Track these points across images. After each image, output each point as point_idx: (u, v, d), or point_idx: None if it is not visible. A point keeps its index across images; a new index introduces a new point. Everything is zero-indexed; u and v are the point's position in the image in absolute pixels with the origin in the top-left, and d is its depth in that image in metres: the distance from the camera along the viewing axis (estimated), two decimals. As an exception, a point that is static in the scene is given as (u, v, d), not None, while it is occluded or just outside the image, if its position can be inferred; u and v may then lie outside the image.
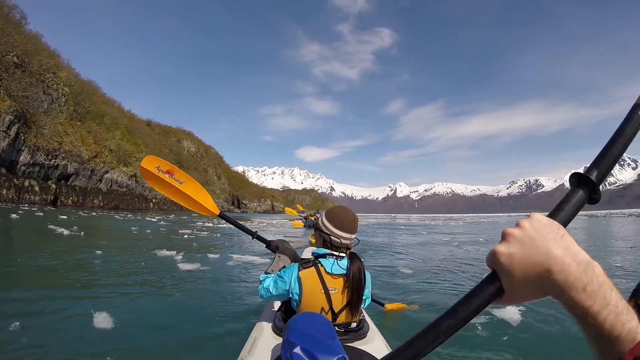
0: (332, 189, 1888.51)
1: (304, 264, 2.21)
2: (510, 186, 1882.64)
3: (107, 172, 53.45)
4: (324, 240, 2.28)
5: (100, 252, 8.61)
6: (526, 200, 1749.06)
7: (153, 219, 27.77)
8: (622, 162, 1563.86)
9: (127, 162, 60.44)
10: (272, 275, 2.42)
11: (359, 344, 2.12)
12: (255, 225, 27.39)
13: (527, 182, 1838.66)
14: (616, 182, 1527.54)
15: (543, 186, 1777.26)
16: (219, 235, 16.75)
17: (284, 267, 2.58)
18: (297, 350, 1.40)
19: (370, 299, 2.50)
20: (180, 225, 21.80)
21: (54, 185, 41.77)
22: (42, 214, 23.42)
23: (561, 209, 0.74)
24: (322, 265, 2.17)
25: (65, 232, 12.88)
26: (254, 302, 4.98)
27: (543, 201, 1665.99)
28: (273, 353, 2.01)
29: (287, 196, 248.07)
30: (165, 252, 8.93)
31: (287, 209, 16.15)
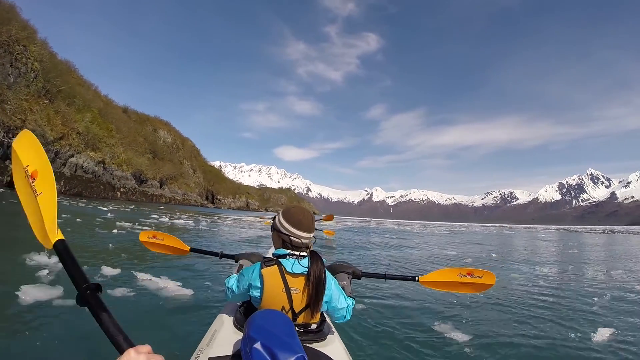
0: (309, 189, 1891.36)
1: (266, 262, 2.19)
2: (485, 197, 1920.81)
3: (72, 155, 50.01)
4: (283, 240, 2.28)
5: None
6: (500, 212, 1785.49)
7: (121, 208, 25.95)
8: (595, 180, 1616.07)
9: (95, 147, 57.21)
10: (235, 275, 2.46)
11: (317, 346, 2.13)
12: (229, 223, 25.35)
13: (502, 194, 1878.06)
14: (589, 199, 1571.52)
15: (517, 199, 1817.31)
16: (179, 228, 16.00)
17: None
18: (257, 345, 1.42)
19: (347, 312, 2.37)
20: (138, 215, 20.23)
21: (11, 166, 38.17)
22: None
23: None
24: (283, 265, 2.15)
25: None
26: (215, 296, 5.06)
27: (516, 213, 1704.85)
28: (233, 347, 1.99)
29: (263, 194, 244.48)
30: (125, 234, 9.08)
31: (266, 222, 17.45)
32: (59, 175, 45.57)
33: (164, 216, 23.47)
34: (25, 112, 43.10)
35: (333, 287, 2.30)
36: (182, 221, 20.47)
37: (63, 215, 15.60)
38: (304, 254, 2.22)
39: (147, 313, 4.21)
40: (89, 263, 6.40)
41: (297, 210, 2.32)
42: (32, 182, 1.50)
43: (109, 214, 20.41)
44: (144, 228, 13.73)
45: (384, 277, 3.18)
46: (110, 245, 8.79)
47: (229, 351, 1.93)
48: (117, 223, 14.74)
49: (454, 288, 3.10)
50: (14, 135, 40.27)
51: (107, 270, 5.82)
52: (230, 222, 25.74)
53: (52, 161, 45.79)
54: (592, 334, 4.48)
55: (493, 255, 13.41)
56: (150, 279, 5.52)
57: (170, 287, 5.25)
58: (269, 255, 2.56)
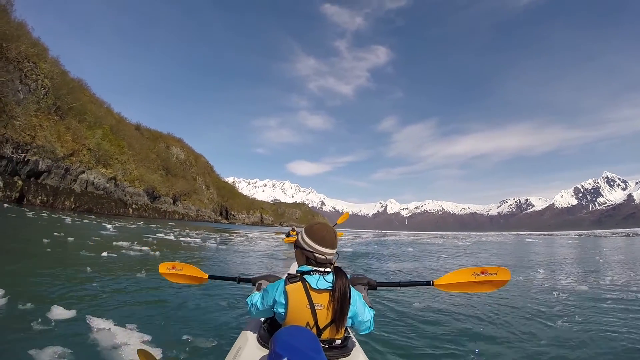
0: (323, 203, 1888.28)
1: (290, 278, 2.20)
2: (500, 205, 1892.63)
3: (83, 172, 49.06)
4: (307, 257, 2.30)
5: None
6: (516, 220, 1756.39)
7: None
8: (611, 183, 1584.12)
9: (107, 163, 56.43)
10: (258, 292, 2.49)
11: None
12: (240, 241, 23.80)
13: (517, 201, 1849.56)
14: (606, 202, 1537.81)
15: (533, 206, 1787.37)
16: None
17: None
18: None
19: (371, 324, 2.41)
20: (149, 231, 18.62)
21: (20, 182, 37.68)
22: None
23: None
24: (307, 282, 2.16)
25: None
26: (238, 313, 5.05)
27: (533, 220, 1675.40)
28: None
29: (277, 209, 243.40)
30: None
31: (286, 239, 18.56)
32: (68, 192, 44.90)
33: (170, 233, 21.53)
34: (35, 129, 42.35)
35: (358, 302, 2.30)
36: (189, 239, 18.65)
37: (56, 232, 13.92)
38: (328, 270, 2.23)
39: (169, 331, 4.16)
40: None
41: (320, 227, 2.34)
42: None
43: (111, 230, 18.89)
44: (143, 248, 11.89)
45: (399, 284, 3.17)
46: (89, 269, 7.20)
47: None
48: (114, 242, 12.82)
49: (469, 288, 3.05)
50: (25, 152, 40.20)
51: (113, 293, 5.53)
52: (241, 239, 24.03)
53: (62, 177, 45.21)
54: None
55: (540, 271, 11.24)
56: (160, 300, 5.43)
57: (189, 304, 5.34)
58: (292, 271, 2.45)
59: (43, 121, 44.61)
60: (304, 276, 2.17)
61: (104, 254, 9.53)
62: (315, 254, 2.24)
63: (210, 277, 3.44)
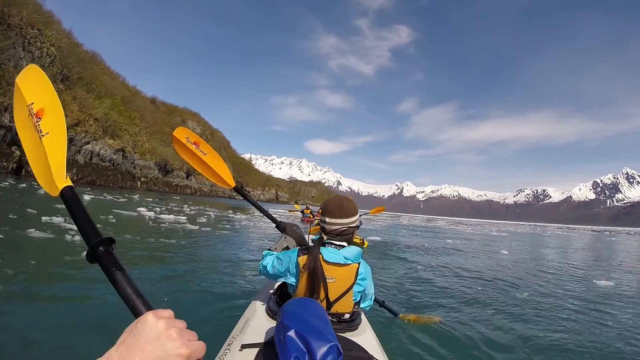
0: (339, 183, 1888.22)
1: (303, 249, 2.21)
2: (517, 194, 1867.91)
3: (88, 142, 47.18)
4: (322, 229, 2.31)
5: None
6: (533, 210, 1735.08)
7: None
8: (631, 180, 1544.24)
9: (115, 134, 54.71)
10: (274, 253, 2.45)
11: (350, 335, 2.11)
12: (251, 215, 22.04)
13: (535, 191, 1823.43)
14: (624, 199, 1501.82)
15: (550, 197, 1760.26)
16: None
17: (287, 247, 2.66)
18: (291, 333, 1.42)
19: (372, 300, 2.46)
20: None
21: (17, 152, 35.91)
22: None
23: None
24: (321, 254, 2.15)
25: None
26: (248, 285, 5.18)
27: (549, 211, 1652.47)
28: (266, 335, 1.99)
29: (294, 187, 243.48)
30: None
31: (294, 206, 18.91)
32: (71, 163, 42.96)
33: (156, 208, 18.09)
34: (37, 96, 40.44)
35: (368, 274, 2.29)
36: (173, 216, 14.91)
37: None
38: (343, 243, 2.24)
39: (176, 300, 4.15)
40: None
41: (331, 198, 2.35)
42: (37, 122, 1.20)
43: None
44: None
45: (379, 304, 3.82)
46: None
47: (261, 339, 1.91)
48: (45, 218, 9.31)
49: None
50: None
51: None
52: (243, 220, 19.23)
53: (67, 148, 42.93)
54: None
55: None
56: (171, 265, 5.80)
57: (199, 274, 5.63)
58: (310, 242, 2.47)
59: (47, 89, 42.61)
60: (320, 246, 2.17)
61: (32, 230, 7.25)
62: (324, 225, 2.26)
63: (236, 189, 3.22)
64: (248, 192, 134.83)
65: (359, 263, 2.20)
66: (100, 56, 73.64)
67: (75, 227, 1.48)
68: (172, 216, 14.97)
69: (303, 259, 2.13)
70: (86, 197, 18.87)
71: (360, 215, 2.37)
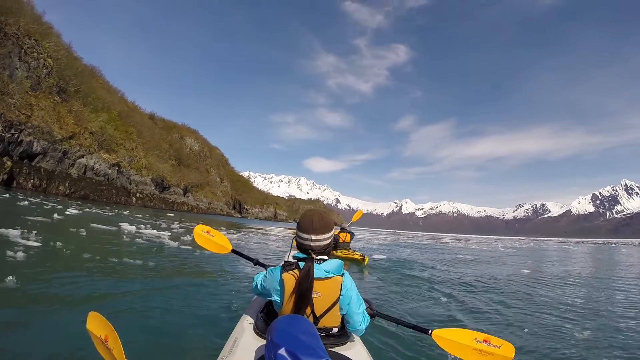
0: (338, 201, 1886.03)
1: (286, 266, 2.16)
2: (516, 209, 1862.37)
3: (82, 156, 45.81)
4: (304, 246, 2.25)
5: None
6: (532, 225, 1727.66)
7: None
8: (630, 191, 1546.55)
9: (111, 148, 53.47)
10: (263, 272, 2.43)
11: (340, 349, 2.12)
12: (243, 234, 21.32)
13: (534, 206, 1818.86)
14: (623, 211, 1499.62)
15: (549, 211, 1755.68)
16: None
17: None
18: (282, 351, 1.43)
19: (365, 320, 2.38)
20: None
21: (9, 163, 34.50)
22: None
23: None
24: (299, 269, 2.13)
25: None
26: (235, 303, 4.93)
27: (549, 226, 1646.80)
28: (256, 354, 1.98)
29: (292, 205, 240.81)
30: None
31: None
32: (64, 177, 41.65)
33: (143, 223, 17.15)
34: (32, 108, 39.45)
35: (352, 287, 2.24)
36: (155, 232, 13.94)
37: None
38: (325, 257, 2.21)
39: (162, 324, 3.93)
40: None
41: (306, 213, 2.29)
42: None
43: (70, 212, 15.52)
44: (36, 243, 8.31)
45: (397, 322, 2.96)
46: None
47: (250, 358, 1.92)
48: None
49: (466, 354, 2.68)
50: (18, 132, 37.48)
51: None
52: (233, 242, 19.43)
53: (60, 161, 42.03)
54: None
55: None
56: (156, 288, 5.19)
57: (187, 293, 5.27)
58: (289, 259, 2.39)
59: (41, 101, 41.78)
60: (299, 263, 2.13)
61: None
62: (300, 241, 2.22)
63: (233, 250, 3.61)
64: (246, 210, 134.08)
65: (342, 275, 2.15)
66: (99, 70, 72.91)
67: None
68: (155, 231, 13.91)
69: (287, 276, 2.10)
70: (73, 211, 17.51)
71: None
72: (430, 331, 2.76)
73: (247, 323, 2.44)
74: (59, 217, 13.66)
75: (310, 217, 2.21)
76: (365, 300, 2.73)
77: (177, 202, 75.27)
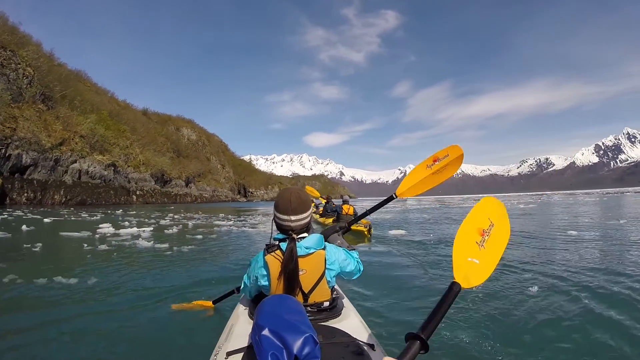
0: (342, 173, 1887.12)
1: (269, 248, 2.15)
2: (520, 165, 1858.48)
3: (75, 161, 45.40)
4: (283, 226, 2.22)
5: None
6: (537, 180, 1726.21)
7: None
8: (632, 139, 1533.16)
9: (104, 149, 53.03)
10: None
11: (333, 323, 2.12)
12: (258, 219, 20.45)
13: (538, 160, 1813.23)
14: (627, 160, 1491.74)
15: (554, 164, 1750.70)
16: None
17: None
18: (266, 332, 1.43)
19: (352, 269, 2.35)
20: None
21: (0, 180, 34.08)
22: None
23: (404, 356, 1.07)
24: (281, 249, 2.12)
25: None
26: (233, 295, 4.02)
27: (554, 180, 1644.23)
28: (249, 338, 1.90)
29: (297, 183, 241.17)
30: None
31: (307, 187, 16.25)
32: (58, 185, 41.39)
33: (128, 221, 16.50)
34: (17, 120, 38.91)
35: (338, 255, 2.27)
36: (136, 229, 12.74)
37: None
38: (304, 235, 2.18)
39: (159, 320, 3.78)
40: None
41: (282, 194, 2.24)
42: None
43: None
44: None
45: (368, 212, 3.10)
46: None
47: (245, 343, 1.89)
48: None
49: (430, 182, 2.96)
50: (3, 145, 36.38)
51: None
52: (226, 232, 15.79)
53: (52, 170, 41.86)
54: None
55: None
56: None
57: (185, 286, 5.01)
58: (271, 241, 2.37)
59: (25, 111, 41.23)
60: (280, 244, 2.12)
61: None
62: (289, 224, 2.16)
63: (214, 302, 3.55)
64: (251, 193, 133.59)
65: (323, 249, 2.16)
66: (85, 74, 72.54)
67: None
68: (135, 229, 12.67)
69: (270, 258, 2.08)
70: (47, 220, 16.71)
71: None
72: (394, 195, 2.95)
73: (241, 309, 2.43)
74: (28, 229, 12.97)
75: (287, 198, 2.17)
76: (335, 225, 2.77)
77: (179, 194, 75.12)
